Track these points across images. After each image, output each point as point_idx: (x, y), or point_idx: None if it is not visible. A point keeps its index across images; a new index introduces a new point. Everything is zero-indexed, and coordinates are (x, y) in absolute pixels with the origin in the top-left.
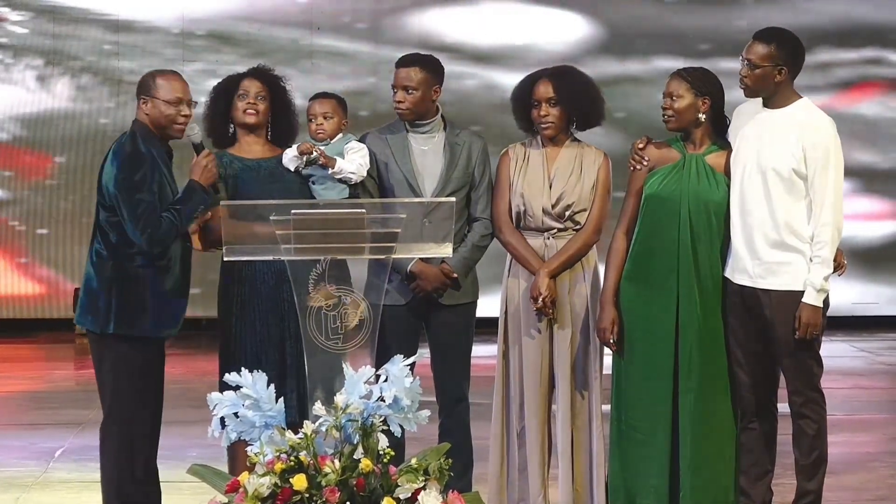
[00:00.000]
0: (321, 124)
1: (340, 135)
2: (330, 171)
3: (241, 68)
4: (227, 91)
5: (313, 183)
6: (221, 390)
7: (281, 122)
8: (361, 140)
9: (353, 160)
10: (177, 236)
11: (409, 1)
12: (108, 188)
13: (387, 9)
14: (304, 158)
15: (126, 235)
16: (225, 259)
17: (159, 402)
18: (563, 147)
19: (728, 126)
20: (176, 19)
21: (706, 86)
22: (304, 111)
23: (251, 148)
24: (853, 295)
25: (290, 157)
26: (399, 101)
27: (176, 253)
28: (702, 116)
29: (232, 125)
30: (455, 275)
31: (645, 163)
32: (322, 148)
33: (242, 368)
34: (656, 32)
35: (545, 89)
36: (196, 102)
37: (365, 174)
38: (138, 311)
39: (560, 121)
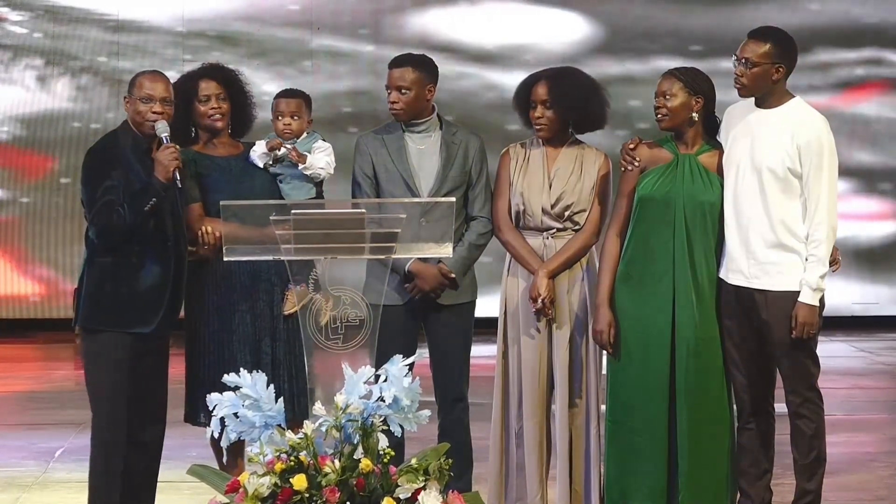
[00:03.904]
0: (288, 124)
1: (306, 134)
2: (301, 167)
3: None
4: (185, 93)
5: (281, 182)
6: (189, 389)
7: (240, 116)
8: (357, 142)
9: (321, 158)
10: (126, 229)
11: (409, 1)
12: None
13: (387, 8)
14: (273, 154)
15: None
16: (225, 259)
17: (141, 402)
18: (564, 147)
19: (719, 126)
20: (176, 19)
21: (699, 85)
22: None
23: (217, 147)
24: (853, 295)
25: (258, 154)
26: (393, 102)
27: (149, 251)
28: (695, 116)
29: (193, 126)
30: (453, 275)
31: (636, 164)
32: (293, 144)
33: (221, 367)
34: (656, 32)
35: (541, 91)
36: (172, 102)
37: (332, 172)
38: (99, 304)
39: (553, 123)
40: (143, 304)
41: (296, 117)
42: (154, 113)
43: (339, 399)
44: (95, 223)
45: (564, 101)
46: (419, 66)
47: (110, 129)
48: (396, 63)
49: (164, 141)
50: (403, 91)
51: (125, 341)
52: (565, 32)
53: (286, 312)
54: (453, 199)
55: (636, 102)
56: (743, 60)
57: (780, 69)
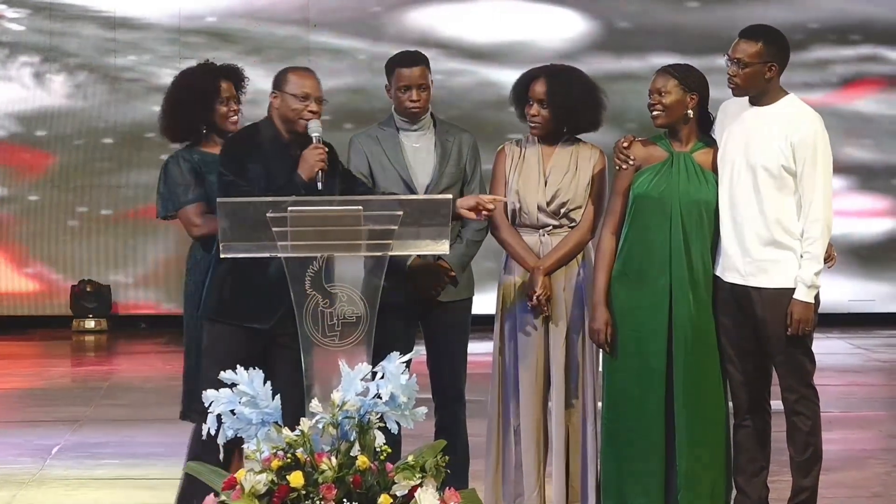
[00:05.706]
0: None
1: None
2: None
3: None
4: (206, 92)
5: None
6: (187, 387)
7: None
8: (351, 140)
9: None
10: None
11: None
12: None
13: (384, 5)
14: None
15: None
16: (222, 256)
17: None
18: (559, 144)
19: (712, 122)
20: (172, 16)
21: (694, 82)
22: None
23: (218, 146)
24: (849, 292)
25: None
26: (415, 101)
27: None
28: (690, 113)
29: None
30: (452, 273)
31: (631, 162)
32: None
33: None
34: (653, 29)
35: (539, 89)
36: (326, 100)
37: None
38: (221, 296)
39: (547, 122)
40: (264, 300)
41: None
42: (310, 112)
43: (336, 396)
44: None
45: (560, 104)
46: (427, 63)
47: (108, 127)
48: (412, 62)
49: (315, 140)
50: (424, 89)
51: (240, 336)
52: (562, 29)
53: None
54: (450, 195)
55: (633, 100)
56: (735, 60)
57: (773, 67)
